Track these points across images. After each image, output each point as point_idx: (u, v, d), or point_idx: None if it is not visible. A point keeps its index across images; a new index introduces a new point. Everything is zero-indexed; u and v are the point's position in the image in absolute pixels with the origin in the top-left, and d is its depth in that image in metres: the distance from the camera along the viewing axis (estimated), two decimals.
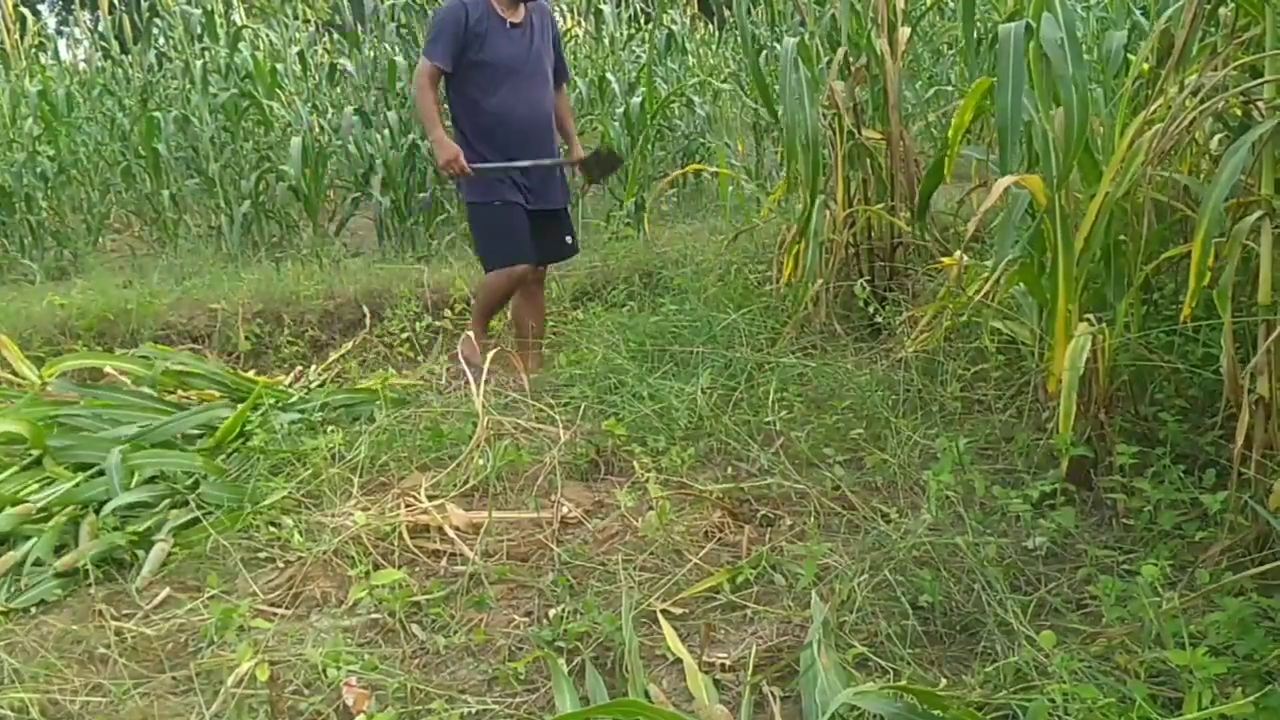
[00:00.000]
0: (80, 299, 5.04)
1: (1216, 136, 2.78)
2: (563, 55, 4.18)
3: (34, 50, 9.41)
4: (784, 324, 3.80)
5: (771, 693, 1.94)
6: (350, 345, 4.63)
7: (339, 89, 7.81)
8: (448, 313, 4.73)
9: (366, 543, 2.57)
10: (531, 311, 4.10)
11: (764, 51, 5.73)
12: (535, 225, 3.96)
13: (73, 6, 11.37)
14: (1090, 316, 2.44)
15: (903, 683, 1.85)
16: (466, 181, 3.84)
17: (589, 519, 2.72)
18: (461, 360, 3.41)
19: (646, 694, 1.95)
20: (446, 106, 3.93)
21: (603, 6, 8.33)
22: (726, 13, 8.93)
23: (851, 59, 4.00)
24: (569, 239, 4.17)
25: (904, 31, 3.92)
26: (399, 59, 6.61)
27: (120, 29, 8.06)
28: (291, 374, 4.42)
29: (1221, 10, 2.49)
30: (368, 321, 4.74)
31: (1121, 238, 2.53)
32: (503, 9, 3.83)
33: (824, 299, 3.79)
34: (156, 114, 6.94)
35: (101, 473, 3.02)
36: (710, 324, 3.86)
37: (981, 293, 2.63)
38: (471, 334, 3.77)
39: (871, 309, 3.68)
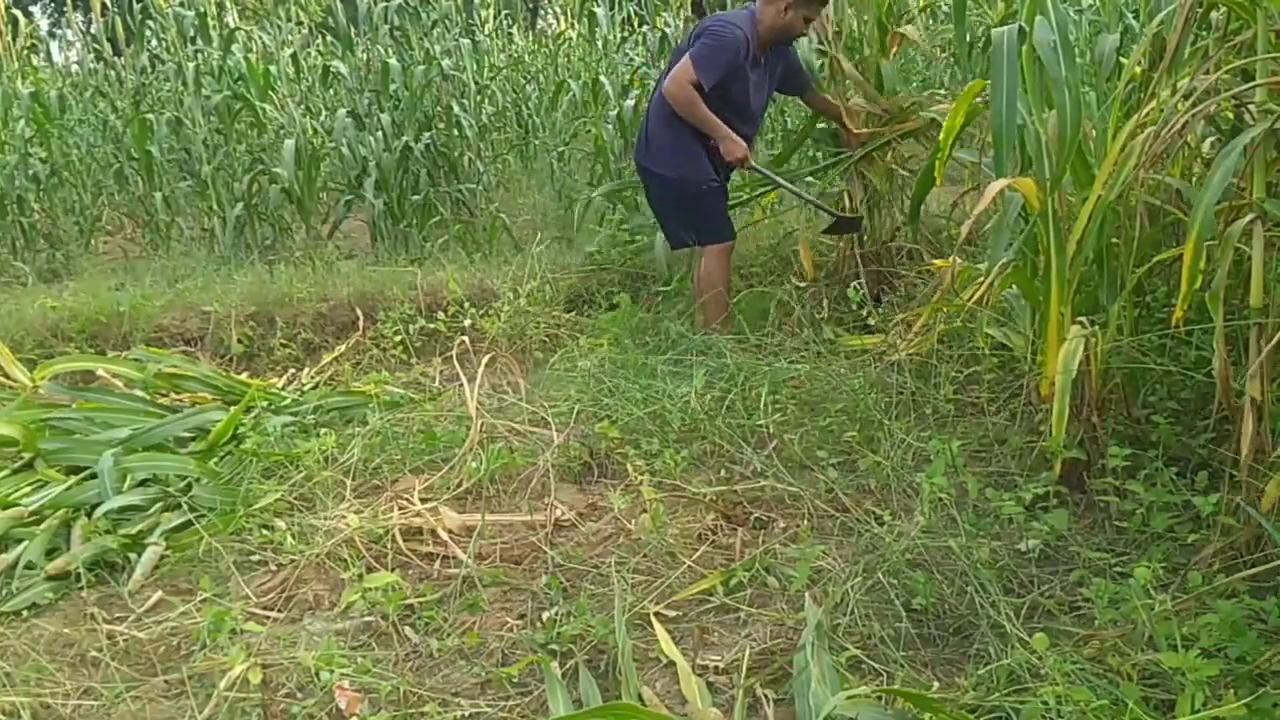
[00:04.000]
0: (72, 301, 5.02)
1: (1208, 140, 2.79)
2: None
3: (26, 52, 9.36)
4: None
5: (765, 695, 1.94)
6: (343, 348, 4.61)
7: (332, 91, 7.78)
8: (441, 315, 4.72)
9: (359, 546, 2.57)
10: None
11: None
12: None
13: (65, 8, 11.34)
14: (1083, 319, 2.45)
15: (896, 686, 1.86)
16: (678, 166, 3.83)
17: (582, 522, 2.72)
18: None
19: (640, 697, 1.95)
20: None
21: (596, 9, 8.32)
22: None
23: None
24: None
25: (896, 34, 3.94)
26: (392, 61, 6.59)
27: (113, 31, 8.01)
28: (284, 376, 4.40)
29: (1213, 14, 2.50)
30: (361, 324, 4.72)
31: (1114, 241, 2.53)
32: (758, 49, 3.81)
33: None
34: (149, 116, 6.91)
35: (94, 476, 3.02)
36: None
37: (975, 296, 2.63)
38: (716, 323, 3.79)
39: (865, 311, 3.68)
